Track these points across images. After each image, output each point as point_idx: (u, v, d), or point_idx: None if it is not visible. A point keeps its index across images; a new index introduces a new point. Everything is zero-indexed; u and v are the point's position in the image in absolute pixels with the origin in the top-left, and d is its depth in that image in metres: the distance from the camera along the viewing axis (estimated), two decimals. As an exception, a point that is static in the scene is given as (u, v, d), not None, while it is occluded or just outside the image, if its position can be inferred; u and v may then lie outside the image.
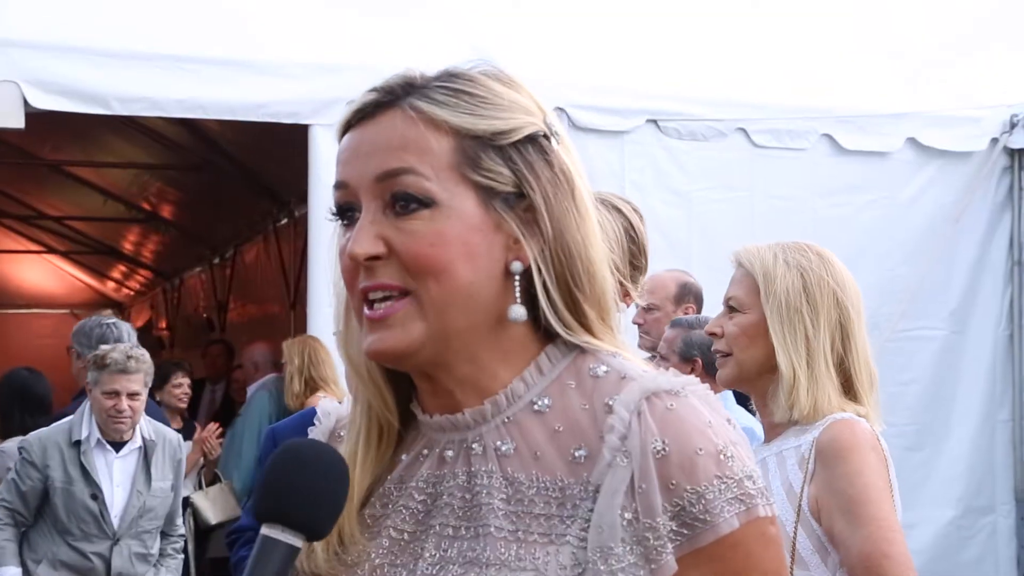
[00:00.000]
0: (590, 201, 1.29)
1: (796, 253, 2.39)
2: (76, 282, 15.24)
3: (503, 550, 1.20)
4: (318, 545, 1.27)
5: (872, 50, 5.90)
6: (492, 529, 1.21)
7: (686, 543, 1.16)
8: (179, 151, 8.39)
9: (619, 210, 2.69)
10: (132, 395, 4.59)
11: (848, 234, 5.49)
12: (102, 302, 15.65)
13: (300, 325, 6.04)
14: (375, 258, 1.21)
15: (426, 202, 1.21)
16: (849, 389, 2.36)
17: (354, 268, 1.23)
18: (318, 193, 4.87)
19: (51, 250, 13.94)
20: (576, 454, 1.21)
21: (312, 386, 5.24)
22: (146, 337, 12.12)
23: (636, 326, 4.31)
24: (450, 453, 1.28)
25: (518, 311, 1.24)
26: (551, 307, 1.25)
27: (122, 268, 14.44)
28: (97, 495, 4.61)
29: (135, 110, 4.73)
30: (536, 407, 1.26)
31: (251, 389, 6.79)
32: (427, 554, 1.25)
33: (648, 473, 1.16)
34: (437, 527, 1.26)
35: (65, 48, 4.55)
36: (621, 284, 2.65)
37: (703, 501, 1.16)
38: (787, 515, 2.25)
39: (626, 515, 1.16)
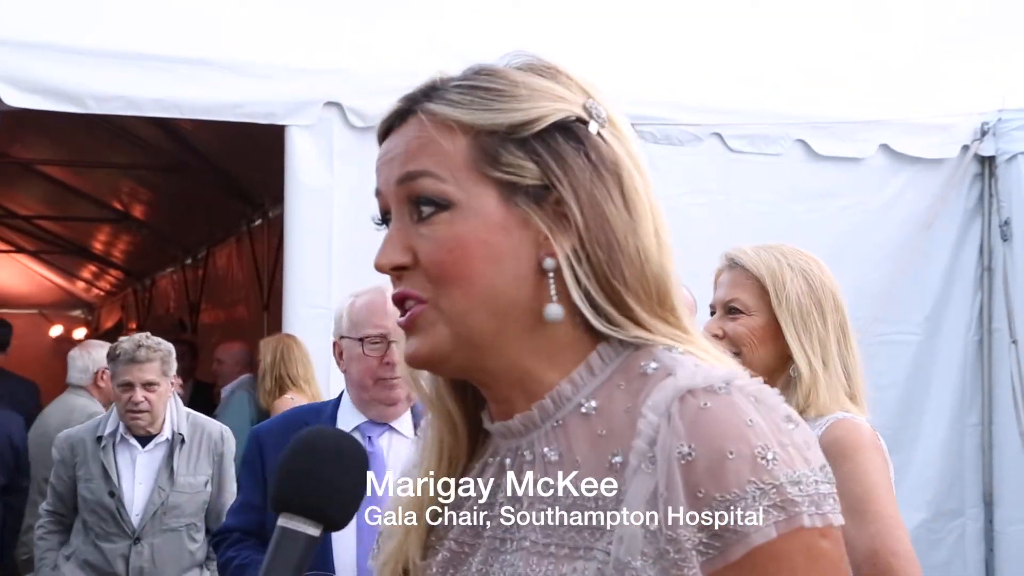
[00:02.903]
0: (644, 188, 1.21)
1: (796, 257, 2.43)
2: (45, 282, 15.12)
3: (536, 566, 1.15)
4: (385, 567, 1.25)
5: (846, 57, 5.94)
6: (528, 543, 1.17)
7: (718, 557, 1.06)
8: (152, 151, 8.34)
9: None
10: (147, 385, 4.42)
11: (823, 239, 5.50)
12: (72, 302, 15.55)
13: (273, 326, 6.02)
14: (401, 268, 1.20)
15: (443, 204, 1.18)
16: (850, 389, 2.40)
17: (392, 277, 1.22)
18: (294, 194, 4.85)
19: (20, 249, 13.81)
20: (613, 460, 1.14)
21: (281, 385, 5.18)
22: (115, 338, 12.03)
23: None
24: (508, 461, 1.23)
25: (554, 311, 1.18)
26: (589, 303, 1.18)
27: (92, 268, 14.34)
28: (114, 492, 4.51)
29: (110, 109, 4.69)
30: (583, 410, 1.19)
31: (226, 390, 6.76)
32: (473, 569, 1.22)
33: (672, 480, 1.07)
34: (486, 539, 1.22)
35: (40, 46, 4.51)
36: None
37: (733, 509, 1.05)
38: None
39: (648, 527, 1.08)
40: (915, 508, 5.88)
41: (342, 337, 3.14)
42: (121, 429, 4.52)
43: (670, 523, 1.06)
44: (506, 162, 1.18)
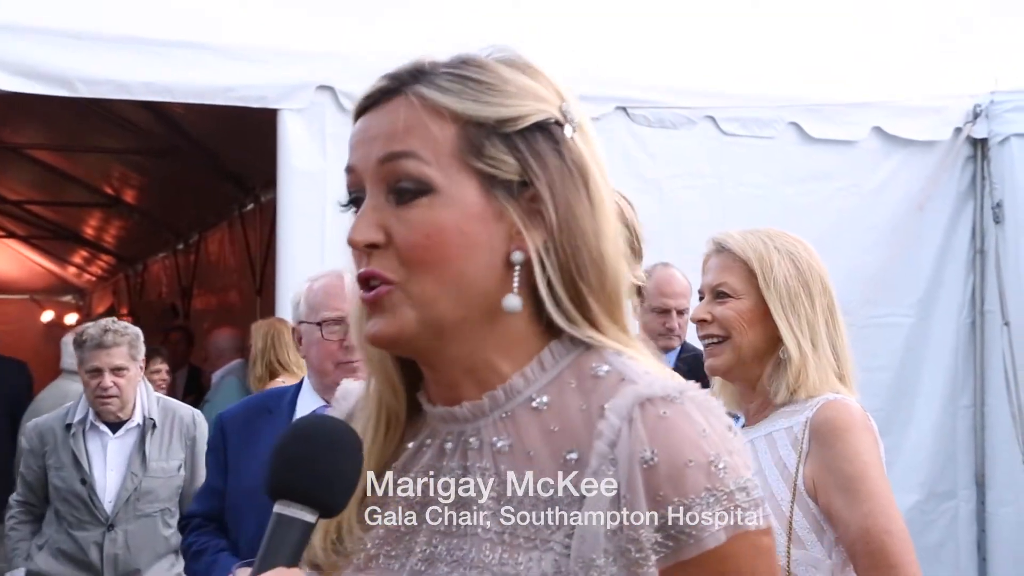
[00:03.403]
0: (607, 193, 1.25)
1: (783, 240, 2.45)
2: (36, 267, 15.07)
3: (488, 552, 1.18)
4: (316, 534, 1.25)
5: (839, 40, 5.94)
6: (479, 530, 1.20)
7: (671, 555, 1.13)
8: (144, 136, 8.30)
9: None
10: (116, 370, 4.37)
11: (816, 221, 5.51)
12: (63, 288, 15.51)
13: (266, 311, 6.01)
14: (373, 245, 1.20)
15: (425, 188, 1.19)
16: (839, 370, 2.42)
17: (358, 255, 1.23)
18: (286, 178, 4.83)
19: (11, 234, 13.75)
20: (568, 457, 1.19)
21: (272, 370, 5.17)
22: (109, 323, 11.99)
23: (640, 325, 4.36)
24: (449, 445, 1.26)
25: (513, 301, 1.21)
26: (552, 299, 1.22)
27: (84, 253, 14.30)
28: (86, 480, 4.47)
29: (101, 93, 4.66)
30: (534, 404, 1.23)
31: (216, 375, 6.75)
32: (418, 548, 1.24)
33: (635, 483, 1.13)
34: (429, 520, 1.24)
35: (30, 29, 4.48)
36: None
37: (690, 514, 1.13)
38: (782, 494, 2.29)
39: (610, 525, 1.14)
40: (908, 490, 5.90)
41: (300, 322, 3.14)
42: (91, 416, 4.48)
43: (632, 523, 1.13)
44: (489, 155, 1.21)
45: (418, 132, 1.20)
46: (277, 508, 1.17)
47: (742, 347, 2.43)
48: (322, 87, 4.74)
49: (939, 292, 6.06)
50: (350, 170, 1.25)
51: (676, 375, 1.22)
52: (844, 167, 5.84)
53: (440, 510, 1.23)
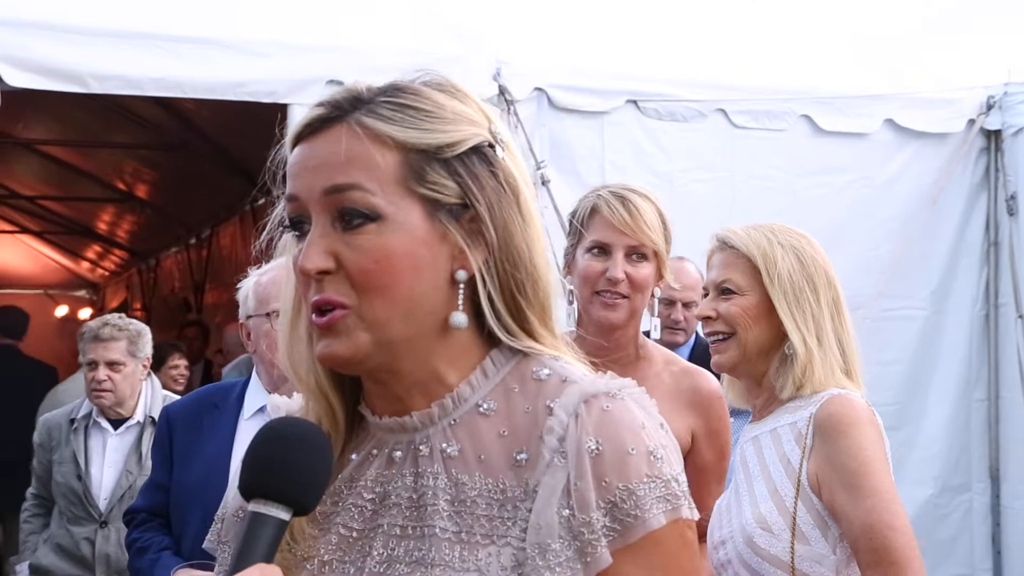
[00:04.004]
0: (535, 207, 1.33)
1: (786, 235, 2.44)
2: (50, 262, 15.13)
3: (447, 551, 1.24)
4: None
5: (850, 32, 5.91)
6: (437, 530, 1.25)
7: (618, 538, 1.21)
8: (155, 131, 8.32)
9: (648, 197, 2.77)
10: (112, 364, 4.37)
11: (828, 214, 5.51)
12: (77, 282, 15.57)
13: (278, 306, 6.00)
14: (324, 272, 1.24)
15: (372, 216, 1.24)
16: (845, 365, 2.41)
17: (306, 280, 1.26)
18: (297, 173, 4.82)
19: (24, 230, 13.81)
20: (518, 457, 1.26)
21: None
22: (122, 318, 12.02)
23: (663, 318, 4.34)
24: (398, 454, 1.32)
25: (459, 318, 1.28)
26: (494, 314, 1.29)
27: (97, 248, 14.34)
28: (82, 476, 4.48)
29: (111, 88, 4.67)
30: (481, 410, 1.30)
31: (226, 370, 6.76)
32: (375, 552, 1.28)
33: (583, 471, 1.21)
34: (385, 526, 1.29)
35: (41, 26, 4.49)
36: (660, 268, 2.76)
37: (634, 498, 1.20)
38: (786, 490, 2.29)
39: (563, 512, 1.21)
40: (922, 483, 5.89)
41: (248, 317, 3.13)
42: (94, 412, 4.48)
43: (583, 509, 1.21)
44: (431, 180, 1.26)
45: (361, 162, 1.24)
46: (252, 507, 1.21)
47: (747, 343, 2.42)
48: (332, 81, 4.74)
49: (953, 285, 6.03)
50: (293, 198, 1.28)
51: (611, 375, 1.30)
52: (856, 160, 5.81)
53: (395, 515, 1.28)
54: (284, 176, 1.31)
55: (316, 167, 1.26)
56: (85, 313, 14.92)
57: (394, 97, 1.27)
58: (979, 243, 6.06)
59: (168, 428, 3.17)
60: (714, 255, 2.53)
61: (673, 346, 4.23)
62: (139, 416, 4.49)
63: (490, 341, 1.33)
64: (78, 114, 8.06)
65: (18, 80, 4.42)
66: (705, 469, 2.77)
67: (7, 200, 12.16)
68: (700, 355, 4.17)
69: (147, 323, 4.79)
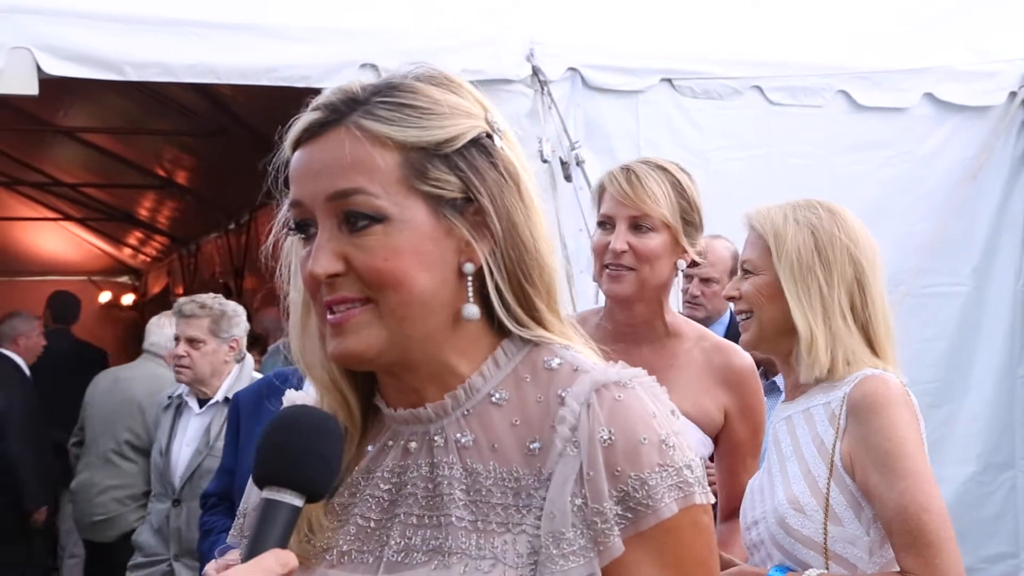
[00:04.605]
0: (535, 193, 1.34)
1: (806, 211, 2.39)
2: (93, 249, 15.28)
3: (464, 539, 1.26)
4: None
5: (888, 4, 5.83)
6: (453, 519, 1.27)
7: (630, 526, 1.22)
8: (193, 117, 8.37)
9: (664, 169, 2.73)
10: (191, 341, 4.45)
11: (867, 191, 5.45)
12: (119, 268, 15.72)
13: (316, 290, 6.04)
14: (335, 275, 1.26)
15: (378, 218, 1.25)
16: (871, 345, 2.37)
17: (316, 282, 1.28)
18: (332, 157, 4.84)
19: (67, 217, 13.96)
20: (531, 446, 1.27)
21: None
22: (163, 303, 12.17)
23: (683, 293, 4.31)
24: (414, 445, 1.34)
25: (471, 310, 1.30)
26: (502, 304, 1.31)
27: (138, 235, 14.46)
28: (163, 452, 4.56)
29: (148, 76, 4.70)
30: (494, 399, 1.32)
31: (266, 357, 6.81)
32: (392, 541, 1.30)
33: (596, 461, 1.22)
34: (402, 516, 1.31)
35: (77, 14, 4.52)
36: (676, 241, 2.70)
37: (646, 487, 1.22)
38: (819, 470, 2.26)
39: (576, 501, 1.22)
40: (965, 461, 5.84)
41: None
42: (185, 392, 4.57)
43: (596, 498, 1.22)
44: (433, 177, 1.28)
45: (363, 165, 1.26)
46: (265, 493, 1.22)
47: (763, 322, 2.40)
48: (365, 65, 4.74)
49: (994, 260, 5.95)
50: (297, 203, 1.30)
51: (622, 364, 1.31)
52: (895, 135, 5.74)
53: (412, 504, 1.30)
54: (287, 180, 1.33)
55: (318, 172, 1.28)
56: (128, 299, 15.09)
57: (390, 97, 1.28)
58: (1021, 217, 5.97)
59: (236, 413, 3.23)
60: (747, 235, 2.52)
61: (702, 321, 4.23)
62: (219, 397, 4.54)
63: (500, 331, 1.34)
64: (118, 102, 8.13)
65: (56, 68, 4.46)
66: (740, 445, 2.76)
67: (50, 188, 12.29)
68: (734, 332, 4.16)
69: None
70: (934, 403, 5.64)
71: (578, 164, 4.90)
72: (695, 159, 5.22)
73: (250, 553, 1.19)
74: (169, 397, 4.67)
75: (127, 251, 15.49)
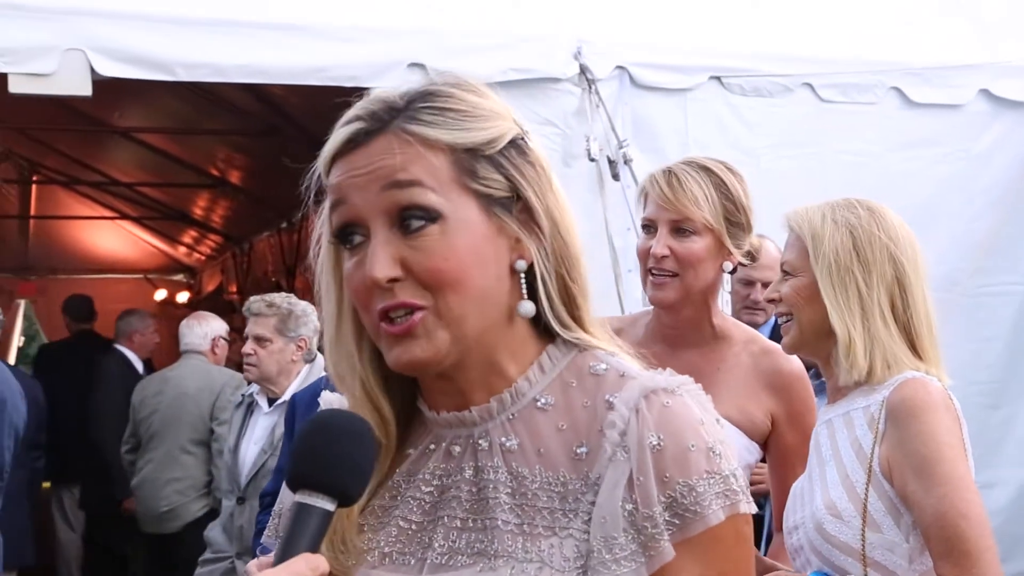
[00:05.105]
0: (562, 189, 1.37)
1: (845, 211, 2.35)
2: (149, 247, 15.47)
3: (510, 543, 1.26)
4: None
5: (938, 0, 5.74)
6: (499, 522, 1.28)
7: (677, 532, 1.23)
8: (245, 117, 8.45)
9: (707, 169, 2.68)
10: (259, 339, 4.47)
11: (921, 189, 5.37)
12: (175, 267, 15.92)
13: (366, 288, 6.07)
14: (394, 280, 1.25)
15: (433, 217, 1.26)
16: (913, 347, 2.32)
17: (368, 289, 1.27)
18: (381, 156, 4.86)
19: (123, 216, 14.15)
20: (578, 451, 1.28)
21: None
22: (217, 301, 12.28)
23: (744, 299, 4.26)
24: (457, 448, 1.35)
25: (527, 306, 1.32)
26: (549, 303, 1.33)
27: (193, 233, 14.62)
28: (231, 451, 4.61)
29: (199, 76, 4.75)
30: (539, 404, 1.33)
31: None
32: (436, 544, 1.30)
33: (645, 466, 1.23)
34: (445, 519, 1.31)
35: (130, 16, 4.58)
36: (720, 243, 2.64)
37: (694, 493, 1.23)
38: (857, 476, 2.23)
39: (627, 506, 1.23)
40: (1021, 465, 5.72)
41: None
42: (256, 391, 4.61)
43: (646, 503, 1.22)
44: (482, 176, 1.30)
45: (418, 163, 1.27)
46: (297, 497, 1.22)
47: (803, 324, 2.37)
48: (413, 64, 4.75)
49: (1052, 259, 5.84)
50: (341, 203, 1.30)
51: (670, 371, 1.31)
52: (949, 132, 5.64)
53: (455, 507, 1.30)
54: (317, 193, 1.33)
55: (369, 173, 1.28)
56: (183, 297, 15.26)
57: (431, 102, 1.30)
58: (1078, 215, 5.85)
59: (293, 413, 3.24)
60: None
61: (754, 327, 4.17)
62: (287, 396, 4.53)
63: (545, 335, 1.36)
64: (171, 102, 8.22)
65: (109, 70, 4.51)
66: (789, 452, 2.71)
67: (107, 187, 12.47)
68: (779, 335, 4.10)
69: (241, 306, 4.89)
70: (992, 404, 5.55)
71: (626, 163, 4.87)
72: (745, 158, 5.16)
73: (282, 556, 1.20)
74: (242, 396, 4.71)
75: (182, 249, 15.67)
